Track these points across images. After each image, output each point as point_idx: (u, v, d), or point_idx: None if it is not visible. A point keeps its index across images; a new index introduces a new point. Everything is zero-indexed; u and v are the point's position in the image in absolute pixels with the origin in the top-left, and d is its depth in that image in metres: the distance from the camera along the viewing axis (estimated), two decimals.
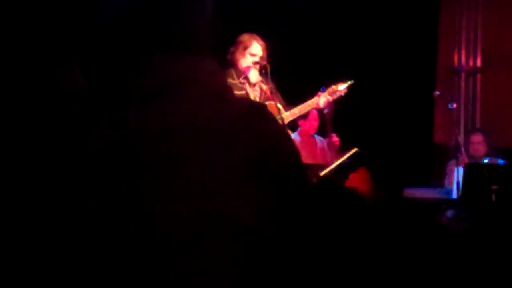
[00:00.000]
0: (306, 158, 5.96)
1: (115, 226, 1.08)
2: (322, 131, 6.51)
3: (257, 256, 1.15)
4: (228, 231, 1.11)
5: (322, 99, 5.29)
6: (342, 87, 5.34)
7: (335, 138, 6.19)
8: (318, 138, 6.59)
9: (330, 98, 5.30)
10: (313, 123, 6.47)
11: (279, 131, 1.22)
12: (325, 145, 6.46)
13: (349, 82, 5.38)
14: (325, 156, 6.34)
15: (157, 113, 1.11)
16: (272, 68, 5.25)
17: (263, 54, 5.20)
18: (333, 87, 5.35)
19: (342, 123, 6.42)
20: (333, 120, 6.29)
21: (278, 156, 1.17)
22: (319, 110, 6.11)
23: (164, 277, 1.08)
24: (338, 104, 6.25)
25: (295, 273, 1.19)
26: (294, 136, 6.18)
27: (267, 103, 5.07)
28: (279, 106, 5.23)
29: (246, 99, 1.28)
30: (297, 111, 5.30)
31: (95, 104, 1.12)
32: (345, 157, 5.25)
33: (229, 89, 1.19)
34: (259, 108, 1.20)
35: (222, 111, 1.13)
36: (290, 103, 5.46)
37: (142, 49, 1.13)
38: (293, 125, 6.08)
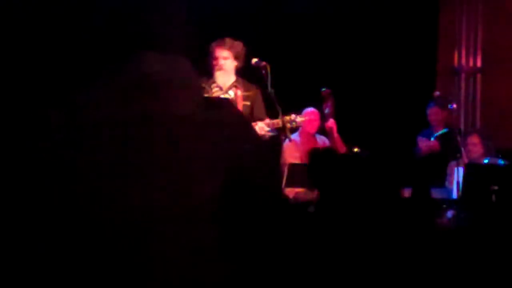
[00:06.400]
0: (306, 157, 5.97)
1: (97, 219, 1.11)
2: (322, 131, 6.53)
3: (233, 241, 1.19)
4: (206, 217, 1.16)
5: (257, 127, 5.07)
6: (299, 120, 5.41)
7: (331, 122, 6.21)
8: (320, 138, 6.59)
9: (265, 130, 5.14)
10: (314, 122, 6.46)
11: (241, 122, 1.30)
12: (327, 143, 6.46)
13: (303, 118, 5.55)
14: None
15: (136, 107, 1.16)
16: (273, 68, 5.25)
17: (217, 53, 5.18)
18: (292, 116, 5.34)
19: (342, 124, 6.43)
20: (334, 120, 6.32)
21: (241, 144, 1.23)
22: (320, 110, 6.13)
23: (146, 265, 1.11)
24: (338, 104, 6.27)
25: (274, 262, 1.22)
26: (294, 136, 6.17)
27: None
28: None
29: (214, 97, 1.39)
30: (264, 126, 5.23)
31: (74, 100, 1.16)
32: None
33: (200, 88, 1.26)
34: (223, 102, 1.30)
35: (193, 105, 1.20)
36: (291, 103, 5.46)
37: (120, 47, 1.18)
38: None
